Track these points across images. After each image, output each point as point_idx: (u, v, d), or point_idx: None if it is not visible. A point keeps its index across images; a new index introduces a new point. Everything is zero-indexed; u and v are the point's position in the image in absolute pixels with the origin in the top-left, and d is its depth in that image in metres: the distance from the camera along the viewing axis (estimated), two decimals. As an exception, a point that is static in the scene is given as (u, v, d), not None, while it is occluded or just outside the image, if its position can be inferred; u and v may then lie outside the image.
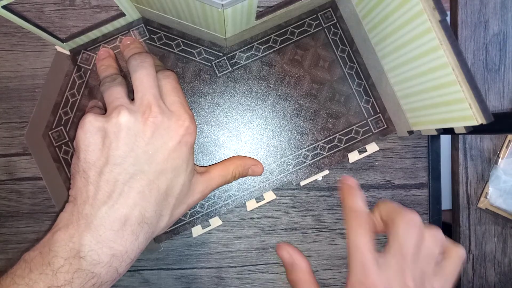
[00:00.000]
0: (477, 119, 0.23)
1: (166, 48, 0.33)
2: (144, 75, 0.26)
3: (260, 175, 0.33)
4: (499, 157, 0.41)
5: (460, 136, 0.44)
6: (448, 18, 0.23)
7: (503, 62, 0.41)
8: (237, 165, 0.31)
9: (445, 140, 0.42)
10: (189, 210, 0.33)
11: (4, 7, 0.26)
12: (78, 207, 0.24)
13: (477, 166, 0.42)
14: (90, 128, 0.25)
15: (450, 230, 0.47)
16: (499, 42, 0.40)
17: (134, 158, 0.24)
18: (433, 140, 0.35)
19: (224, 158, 0.33)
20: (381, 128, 0.34)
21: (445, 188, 0.39)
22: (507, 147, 0.41)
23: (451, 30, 0.23)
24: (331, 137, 0.34)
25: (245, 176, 0.32)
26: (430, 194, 0.35)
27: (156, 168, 0.25)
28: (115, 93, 0.27)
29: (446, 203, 0.40)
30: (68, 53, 0.33)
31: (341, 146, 0.34)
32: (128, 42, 0.32)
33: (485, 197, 0.41)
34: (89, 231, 0.23)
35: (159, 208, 0.25)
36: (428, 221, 0.35)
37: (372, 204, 0.35)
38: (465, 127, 0.25)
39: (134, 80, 0.26)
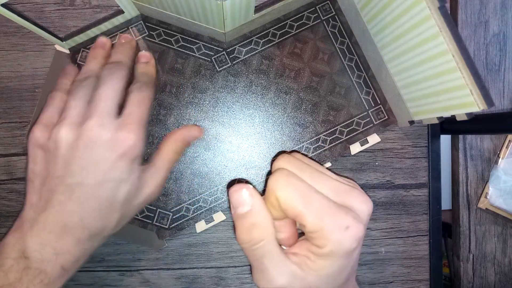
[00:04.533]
0: (479, 105, 0.23)
1: (165, 44, 0.33)
2: (105, 86, 0.27)
3: (202, 135, 0.33)
4: (499, 157, 0.41)
5: (460, 136, 0.44)
6: (447, 5, 0.23)
7: (503, 62, 0.41)
8: (174, 141, 0.31)
9: (445, 140, 0.42)
10: (192, 206, 0.33)
11: (4, 5, 0.26)
12: (25, 213, 0.27)
13: (477, 166, 0.42)
14: (35, 143, 0.27)
15: (450, 230, 0.47)
16: (499, 42, 0.41)
17: (72, 172, 0.26)
18: (433, 140, 0.35)
19: (227, 153, 0.33)
20: (382, 119, 0.34)
21: (445, 188, 0.39)
22: (507, 147, 0.41)
23: (451, 16, 0.23)
24: (332, 130, 0.34)
25: (189, 145, 0.33)
26: (430, 194, 0.35)
27: (95, 179, 0.26)
28: (72, 103, 0.27)
29: (446, 203, 0.40)
30: (67, 52, 0.33)
31: (342, 138, 0.34)
32: (123, 41, 0.32)
33: (485, 197, 0.41)
34: (31, 234, 0.25)
35: (102, 214, 0.27)
36: (428, 221, 0.35)
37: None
38: (467, 114, 0.25)
39: (96, 89, 0.27)
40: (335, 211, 0.21)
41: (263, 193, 0.26)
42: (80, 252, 0.26)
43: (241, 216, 0.23)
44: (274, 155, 0.33)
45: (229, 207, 0.28)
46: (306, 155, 0.31)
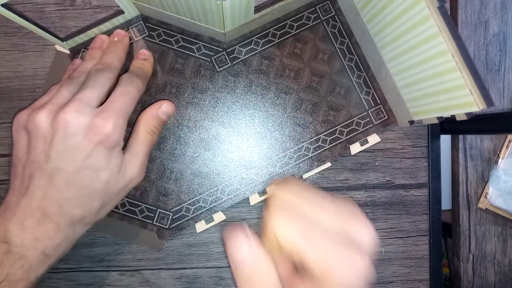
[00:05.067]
0: (478, 105, 0.23)
1: (165, 44, 0.33)
2: (90, 81, 0.27)
3: (175, 109, 0.32)
4: (499, 157, 0.41)
5: (460, 136, 0.44)
6: (447, 5, 0.23)
7: (503, 62, 0.41)
8: (145, 121, 0.30)
9: (445, 140, 0.42)
10: (192, 206, 0.33)
11: (5, 5, 0.26)
12: (8, 197, 0.27)
13: (477, 166, 0.42)
14: (17, 126, 0.27)
15: (450, 230, 0.47)
16: (499, 42, 0.41)
17: (49, 157, 0.26)
18: (433, 140, 0.35)
19: (227, 153, 0.33)
20: (382, 119, 0.34)
21: (445, 188, 0.39)
22: (507, 147, 0.41)
23: (450, 16, 0.23)
24: (332, 130, 0.34)
25: (164, 122, 0.32)
26: (430, 194, 0.35)
27: (73, 166, 0.26)
28: (58, 93, 0.27)
29: (446, 203, 0.40)
30: (68, 52, 0.33)
31: (342, 138, 0.34)
32: (116, 39, 0.32)
33: (485, 197, 0.41)
34: (12, 219, 0.25)
35: (81, 202, 0.26)
36: (428, 221, 0.35)
37: (371, 205, 0.35)
38: (466, 114, 0.25)
39: (82, 84, 0.28)
40: (340, 247, 0.20)
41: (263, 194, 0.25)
42: (61, 238, 0.26)
43: (240, 264, 0.21)
44: (274, 155, 0.33)
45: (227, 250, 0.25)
46: (298, 181, 0.29)
